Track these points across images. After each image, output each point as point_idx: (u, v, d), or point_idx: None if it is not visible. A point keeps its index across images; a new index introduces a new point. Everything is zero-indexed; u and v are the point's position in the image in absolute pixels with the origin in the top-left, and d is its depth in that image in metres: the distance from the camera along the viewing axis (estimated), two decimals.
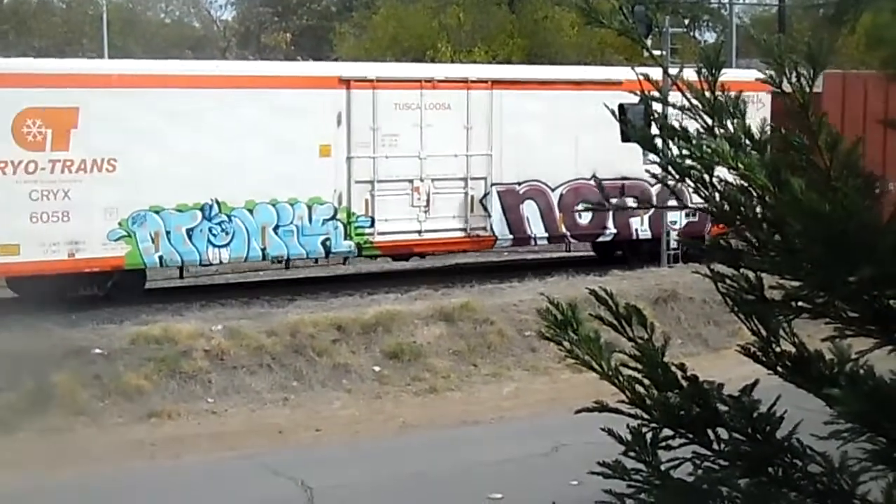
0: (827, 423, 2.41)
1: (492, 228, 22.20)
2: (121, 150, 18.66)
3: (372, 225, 21.07)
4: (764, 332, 2.60)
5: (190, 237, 19.51)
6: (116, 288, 19.33)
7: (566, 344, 2.65)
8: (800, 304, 2.49)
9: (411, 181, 21.18)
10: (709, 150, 2.51)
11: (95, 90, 18.69)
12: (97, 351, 15.11)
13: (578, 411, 2.86)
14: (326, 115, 20.47)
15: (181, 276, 21.17)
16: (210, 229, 19.70)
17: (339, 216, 20.76)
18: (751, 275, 2.59)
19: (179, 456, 13.05)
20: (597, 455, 2.73)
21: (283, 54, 49.40)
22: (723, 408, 2.60)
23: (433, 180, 21.49)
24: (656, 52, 3.13)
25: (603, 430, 2.75)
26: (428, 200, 21.46)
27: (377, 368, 16.08)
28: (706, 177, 2.57)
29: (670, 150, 2.63)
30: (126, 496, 11.48)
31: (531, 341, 16.66)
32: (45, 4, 52.45)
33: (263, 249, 20.25)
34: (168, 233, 19.34)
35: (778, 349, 2.60)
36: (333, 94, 20.58)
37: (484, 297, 18.52)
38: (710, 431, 2.61)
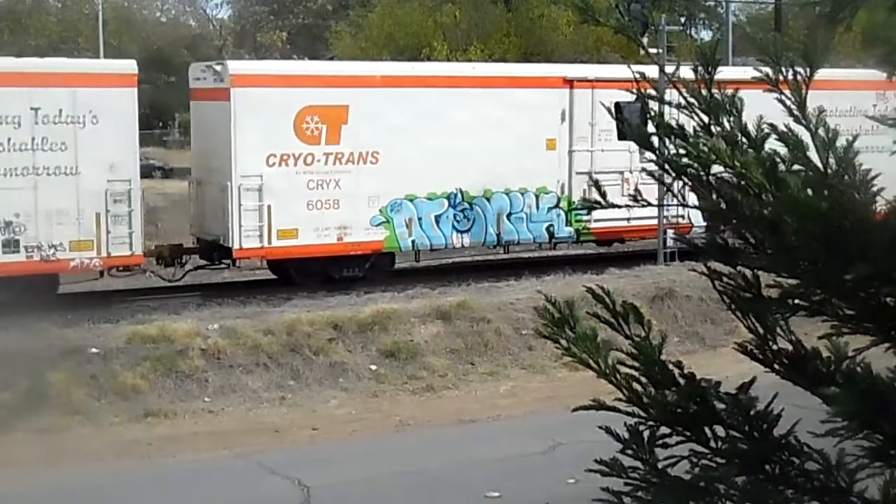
0: (824, 420, 2.41)
1: (689, 216, 23.38)
2: (382, 143, 20.73)
3: (589, 213, 22.49)
4: (761, 330, 2.60)
5: (437, 223, 21.54)
6: (372, 269, 21.30)
7: (563, 342, 2.65)
8: (797, 301, 2.49)
9: (622, 172, 22.48)
10: (705, 149, 2.51)
11: (363, 90, 20.73)
12: (93, 350, 15.09)
13: (575, 409, 2.85)
14: (553, 112, 22.57)
15: (417, 260, 22.85)
16: (454, 216, 21.78)
17: (561, 204, 22.78)
18: (748, 273, 2.59)
19: (176, 455, 13.04)
20: (594, 453, 2.72)
21: (278, 53, 49.38)
22: (720, 405, 2.60)
23: (640, 172, 22.92)
24: (652, 51, 3.13)
25: (600, 428, 2.74)
26: (636, 190, 23.17)
27: (374, 367, 16.07)
28: (703, 175, 2.56)
29: (667, 148, 2.63)
30: (122, 495, 11.47)
31: (528, 340, 16.67)
32: (40, 3, 52.39)
33: (498, 235, 22.27)
34: (420, 219, 21.42)
35: (775, 347, 2.60)
36: (559, 93, 22.67)
37: (481, 295, 18.52)
38: (707, 429, 2.61)
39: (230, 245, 19.83)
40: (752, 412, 2.58)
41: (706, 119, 2.57)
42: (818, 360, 2.52)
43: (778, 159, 2.47)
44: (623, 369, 2.66)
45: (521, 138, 21.97)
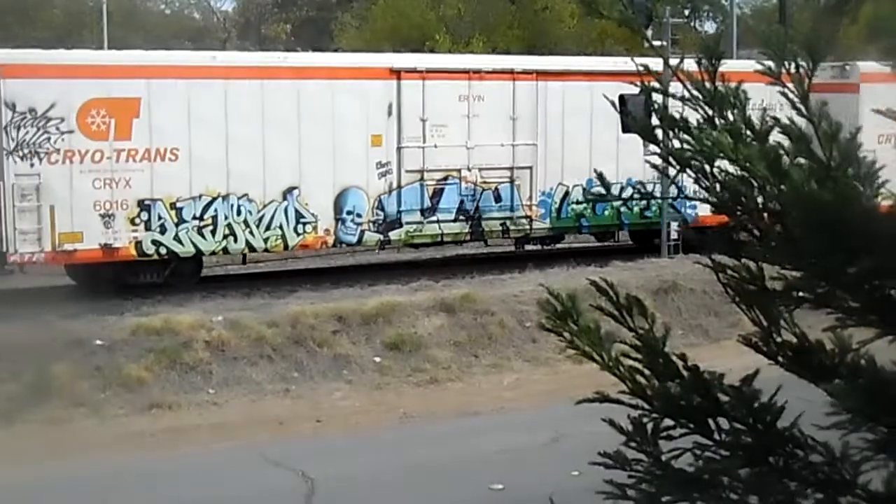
0: (828, 413, 2.41)
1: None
2: None
3: None
4: (765, 323, 2.60)
5: None
6: None
7: (566, 335, 2.65)
8: (801, 294, 2.49)
9: None
10: (709, 142, 2.51)
11: None
12: (98, 342, 15.11)
13: (579, 402, 2.85)
14: None
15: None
16: None
17: None
18: (752, 265, 2.59)
19: (180, 447, 13.06)
20: (598, 445, 2.73)
21: (283, 45, 49.31)
22: (723, 398, 2.60)
23: None
24: (656, 43, 3.12)
25: (604, 420, 2.74)
26: None
27: (378, 359, 16.07)
28: (707, 168, 2.56)
29: (671, 141, 2.63)
30: (126, 487, 11.48)
31: (532, 332, 16.66)
32: None
33: None
34: None
35: (779, 339, 2.60)
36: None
37: (485, 288, 18.51)
38: (710, 421, 2.61)
39: None
40: (755, 404, 2.58)
41: (710, 112, 2.57)
42: (822, 352, 2.52)
43: (782, 151, 2.47)
44: (627, 362, 2.66)
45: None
